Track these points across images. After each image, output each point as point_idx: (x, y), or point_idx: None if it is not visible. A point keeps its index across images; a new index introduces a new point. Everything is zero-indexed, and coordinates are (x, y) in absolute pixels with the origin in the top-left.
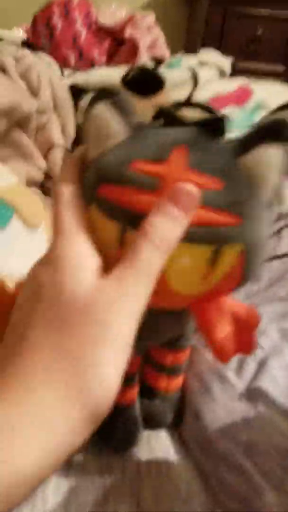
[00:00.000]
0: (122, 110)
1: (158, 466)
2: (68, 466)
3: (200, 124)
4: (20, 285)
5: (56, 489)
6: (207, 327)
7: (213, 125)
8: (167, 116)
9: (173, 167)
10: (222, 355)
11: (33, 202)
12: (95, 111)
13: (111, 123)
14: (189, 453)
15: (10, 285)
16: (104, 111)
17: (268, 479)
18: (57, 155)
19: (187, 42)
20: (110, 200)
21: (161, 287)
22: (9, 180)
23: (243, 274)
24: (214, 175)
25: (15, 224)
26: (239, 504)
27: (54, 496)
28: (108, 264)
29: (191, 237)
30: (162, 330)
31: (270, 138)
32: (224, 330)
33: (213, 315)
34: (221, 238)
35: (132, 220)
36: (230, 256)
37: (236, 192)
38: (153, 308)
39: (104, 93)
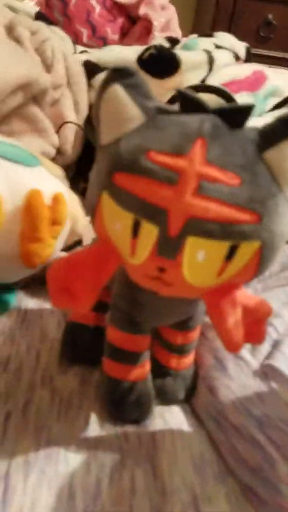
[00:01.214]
0: (139, 92)
1: (172, 436)
2: (86, 433)
3: (221, 112)
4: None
5: (77, 451)
6: (218, 317)
7: (235, 114)
8: (187, 101)
9: (193, 162)
10: (231, 345)
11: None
12: (110, 92)
13: (127, 106)
14: (202, 425)
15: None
16: (120, 93)
17: (281, 451)
18: (69, 132)
19: (196, 25)
20: (125, 190)
21: (176, 279)
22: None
23: (257, 269)
24: (235, 171)
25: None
26: (251, 473)
27: (76, 456)
28: (122, 251)
29: (208, 232)
30: (172, 313)
31: None
32: (234, 321)
33: (225, 306)
34: (238, 235)
35: (148, 213)
36: (246, 252)
37: (257, 188)
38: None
39: (119, 73)
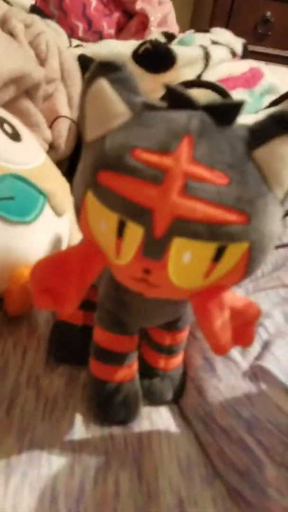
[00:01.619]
0: (126, 87)
1: (159, 438)
2: (71, 434)
3: (211, 108)
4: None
5: (60, 453)
6: (205, 319)
7: (225, 110)
8: (176, 96)
9: (179, 160)
10: (219, 347)
11: (61, 186)
12: (95, 87)
13: (113, 102)
14: (190, 426)
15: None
16: (106, 88)
17: (269, 454)
18: (63, 126)
19: (193, 21)
20: (109, 189)
21: (162, 281)
22: (40, 158)
23: (246, 270)
24: (223, 170)
25: (47, 214)
26: (239, 476)
27: (59, 459)
28: (107, 251)
29: (194, 233)
30: (160, 314)
31: (286, 130)
32: (221, 323)
33: (212, 308)
34: (226, 236)
35: (133, 213)
36: (234, 254)
37: (246, 188)
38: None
39: (106, 67)
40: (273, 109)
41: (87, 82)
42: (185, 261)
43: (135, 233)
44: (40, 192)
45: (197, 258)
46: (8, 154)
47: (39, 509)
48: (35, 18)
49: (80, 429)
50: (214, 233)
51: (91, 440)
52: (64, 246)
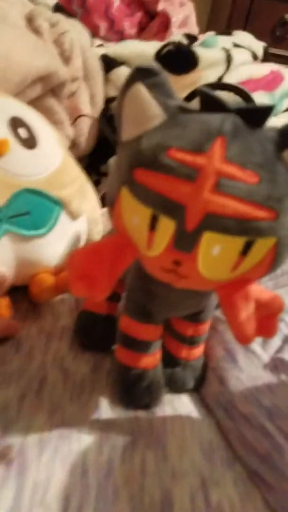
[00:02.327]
0: (162, 91)
1: (182, 422)
2: (98, 415)
3: (242, 112)
4: (58, 270)
5: (89, 432)
6: (231, 310)
7: (255, 113)
8: (208, 99)
9: (212, 159)
10: (243, 337)
11: (79, 186)
12: (133, 91)
13: (150, 105)
14: (211, 414)
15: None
16: (143, 92)
17: None
18: (84, 124)
19: (211, 23)
20: (144, 185)
21: (191, 272)
22: (56, 161)
23: (272, 265)
24: (253, 169)
25: (63, 220)
26: (259, 460)
27: (88, 437)
28: (138, 244)
29: (224, 228)
30: (185, 305)
31: None
32: (246, 314)
33: (238, 299)
34: (254, 232)
35: (166, 208)
36: (261, 248)
37: (275, 187)
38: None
39: (143, 72)
40: None
41: (125, 86)
42: (215, 254)
43: (167, 226)
44: (56, 202)
45: (226, 252)
46: (22, 168)
47: (71, 482)
48: (60, 17)
49: (106, 411)
50: (243, 228)
51: (117, 421)
52: (82, 242)
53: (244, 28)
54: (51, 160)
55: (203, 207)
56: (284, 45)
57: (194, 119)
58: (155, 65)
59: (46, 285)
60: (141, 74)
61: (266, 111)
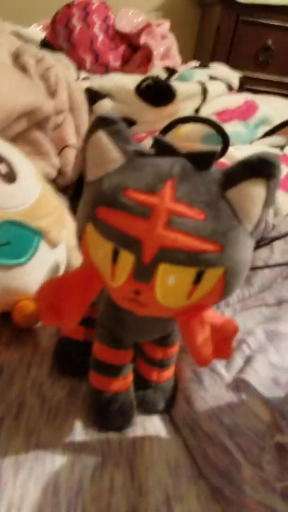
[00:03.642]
0: (121, 138)
1: (151, 442)
2: (72, 437)
3: (190, 156)
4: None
5: (62, 453)
6: (188, 334)
7: (202, 157)
8: (162, 146)
9: (163, 199)
10: (201, 360)
11: (57, 218)
12: (95, 138)
13: (110, 150)
14: (179, 433)
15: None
16: (103, 139)
17: (246, 456)
18: (70, 154)
19: (197, 48)
20: (106, 222)
21: (150, 301)
22: (35, 194)
23: (223, 292)
24: (200, 207)
25: (42, 248)
26: (220, 476)
27: (61, 458)
28: (103, 275)
29: (177, 260)
30: (151, 330)
31: (254, 174)
32: (203, 338)
33: (195, 325)
34: (203, 263)
35: (125, 242)
36: (212, 277)
37: (220, 222)
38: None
39: (104, 121)
40: (271, 139)
41: (88, 133)
42: (170, 283)
43: (127, 259)
44: (35, 231)
45: (180, 281)
46: (1, 201)
47: (43, 500)
48: (45, 53)
49: (80, 433)
50: (193, 260)
51: (89, 442)
52: (62, 269)
53: (229, 53)
54: (30, 192)
55: (157, 241)
56: (268, 69)
57: (148, 162)
58: (114, 114)
59: (27, 311)
60: (102, 122)
61: (212, 155)
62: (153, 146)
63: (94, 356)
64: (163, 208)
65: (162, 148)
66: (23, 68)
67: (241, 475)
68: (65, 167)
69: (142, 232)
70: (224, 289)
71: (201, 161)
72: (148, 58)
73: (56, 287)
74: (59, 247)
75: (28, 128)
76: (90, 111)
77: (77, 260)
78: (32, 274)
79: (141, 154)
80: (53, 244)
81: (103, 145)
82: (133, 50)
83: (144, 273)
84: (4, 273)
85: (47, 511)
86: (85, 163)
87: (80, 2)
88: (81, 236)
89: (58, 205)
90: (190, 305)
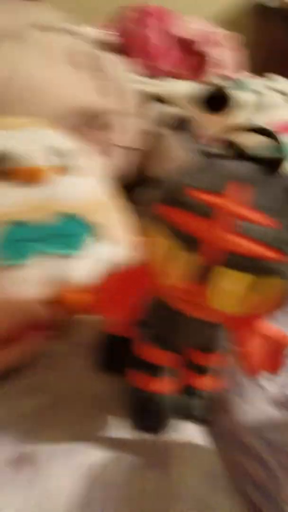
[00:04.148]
0: (188, 137)
1: (185, 448)
2: (107, 434)
3: (257, 159)
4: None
5: (97, 448)
6: (237, 342)
7: (272, 163)
8: (231, 147)
9: (228, 201)
10: (249, 370)
11: (110, 216)
12: (162, 136)
13: (176, 149)
14: (216, 442)
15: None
16: (171, 137)
17: None
18: (118, 156)
19: (251, 58)
20: (166, 220)
21: (202, 301)
22: (92, 187)
23: (279, 303)
24: (266, 212)
25: (93, 243)
26: (257, 491)
27: (96, 452)
28: (158, 273)
29: (235, 264)
30: (197, 334)
31: None
32: (252, 347)
33: (245, 333)
34: (262, 270)
35: (184, 241)
36: (269, 286)
37: (285, 231)
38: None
39: (178, 122)
40: None
41: (161, 131)
42: (224, 287)
43: (184, 258)
44: (88, 225)
45: (235, 286)
46: (62, 192)
47: (78, 494)
48: (99, 52)
49: (115, 430)
50: (254, 266)
51: (124, 441)
52: (111, 265)
53: (282, 67)
54: (88, 186)
55: (218, 243)
56: None
57: (214, 163)
58: (186, 115)
59: (74, 302)
60: (170, 121)
61: (280, 161)
62: (220, 148)
63: (135, 354)
64: (227, 210)
65: (232, 151)
66: (76, 66)
67: (281, 494)
68: (111, 167)
69: (204, 232)
70: (280, 300)
71: (269, 166)
72: (202, 65)
73: (114, 281)
74: (110, 242)
75: (78, 125)
76: (140, 113)
77: (128, 256)
78: (82, 266)
79: (208, 154)
80: (105, 239)
81: (169, 143)
82: (188, 56)
83: (200, 274)
84: (57, 262)
85: (81, 506)
86: (149, 161)
87: (138, 6)
88: (139, 233)
89: (112, 202)
90: (243, 312)
